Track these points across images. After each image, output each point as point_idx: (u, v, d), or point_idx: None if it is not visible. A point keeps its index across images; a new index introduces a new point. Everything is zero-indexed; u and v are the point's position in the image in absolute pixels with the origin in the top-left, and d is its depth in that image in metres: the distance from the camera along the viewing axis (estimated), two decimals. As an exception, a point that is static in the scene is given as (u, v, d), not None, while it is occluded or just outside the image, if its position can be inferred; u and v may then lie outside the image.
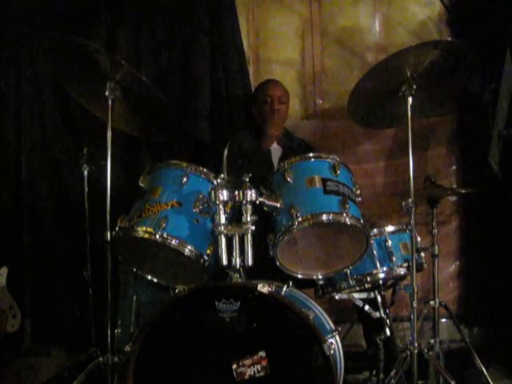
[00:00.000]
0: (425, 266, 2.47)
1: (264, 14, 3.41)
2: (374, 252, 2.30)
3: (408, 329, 2.87)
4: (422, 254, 2.44)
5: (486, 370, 2.51)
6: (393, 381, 2.25)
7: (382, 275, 2.32)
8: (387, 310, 2.44)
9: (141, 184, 2.20)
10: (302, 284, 2.25)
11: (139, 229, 2.06)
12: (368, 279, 2.32)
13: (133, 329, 2.37)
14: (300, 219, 1.99)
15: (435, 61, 2.20)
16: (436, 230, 2.61)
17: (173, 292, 2.09)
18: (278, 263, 2.09)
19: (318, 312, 2.20)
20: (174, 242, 2.03)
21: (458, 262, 3.33)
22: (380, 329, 2.38)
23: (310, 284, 2.36)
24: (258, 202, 2.01)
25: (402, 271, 2.33)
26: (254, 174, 2.05)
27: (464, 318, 3.17)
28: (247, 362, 1.82)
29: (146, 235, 2.05)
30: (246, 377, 1.82)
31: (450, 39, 3.22)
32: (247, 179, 2.01)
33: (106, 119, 2.25)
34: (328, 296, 2.37)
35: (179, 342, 1.90)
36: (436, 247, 2.61)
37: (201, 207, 2.07)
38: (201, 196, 2.07)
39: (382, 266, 2.32)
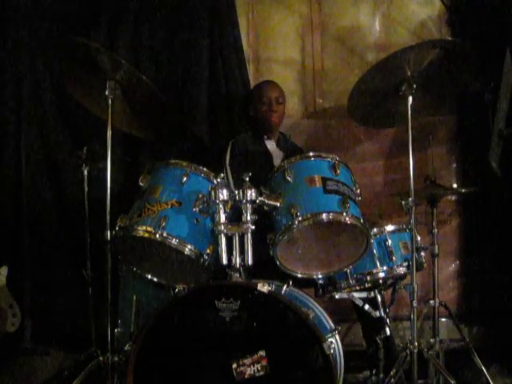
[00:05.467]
0: (425, 265, 2.47)
1: (264, 13, 3.41)
2: (374, 251, 2.31)
3: (408, 328, 2.89)
4: (422, 254, 2.44)
5: (486, 370, 2.50)
6: (393, 380, 2.25)
7: (381, 274, 2.33)
8: (387, 310, 2.44)
9: (141, 183, 2.20)
10: (301, 283, 2.25)
11: (139, 228, 2.06)
12: (368, 278, 2.33)
13: (133, 328, 2.36)
14: (300, 218, 1.99)
15: (435, 60, 2.19)
16: (436, 230, 2.62)
17: (173, 291, 2.09)
18: (277, 262, 2.09)
19: (317, 311, 2.20)
20: (173, 241, 2.03)
21: (457, 262, 3.34)
22: (380, 328, 2.39)
23: (309, 283, 2.36)
24: (257, 201, 2.01)
25: (401, 270, 2.33)
26: (255, 176, 2.05)
27: (464, 317, 3.16)
28: (247, 361, 1.82)
29: (146, 234, 2.05)
30: (246, 376, 1.82)
31: (450, 39, 3.22)
32: (247, 179, 2.01)
33: (105, 118, 2.25)
34: (328, 295, 2.37)
35: (179, 342, 1.89)
36: (436, 246, 2.61)
37: (201, 206, 2.07)
38: (201, 195, 2.07)
39: (382, 265, 2.32)
